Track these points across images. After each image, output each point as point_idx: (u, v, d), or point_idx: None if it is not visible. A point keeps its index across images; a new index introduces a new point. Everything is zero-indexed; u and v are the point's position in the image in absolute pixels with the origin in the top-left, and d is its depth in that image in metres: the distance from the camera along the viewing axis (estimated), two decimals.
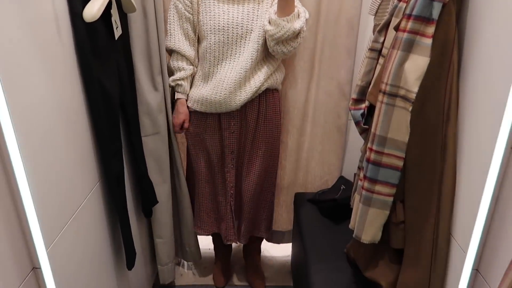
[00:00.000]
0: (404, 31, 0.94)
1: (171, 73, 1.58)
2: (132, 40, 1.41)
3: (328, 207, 1.68)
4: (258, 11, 1.48)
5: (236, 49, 1.49)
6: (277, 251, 2.18)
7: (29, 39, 0.85)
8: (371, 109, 1.16)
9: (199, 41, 1.56)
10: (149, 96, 1.50)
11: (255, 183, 1.68)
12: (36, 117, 0.88)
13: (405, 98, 0.95)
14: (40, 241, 0.88)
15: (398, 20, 1.00)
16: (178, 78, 1.56)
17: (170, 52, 1.57)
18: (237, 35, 1.47)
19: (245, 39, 1.49)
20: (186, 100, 1.60)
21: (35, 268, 0.90)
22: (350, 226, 1.18)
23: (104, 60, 1.16)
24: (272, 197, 1.79)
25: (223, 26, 1.46)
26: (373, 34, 1.19)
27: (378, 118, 1.01)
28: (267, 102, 1.60)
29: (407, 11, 0.93)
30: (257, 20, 1.48)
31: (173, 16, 1.52)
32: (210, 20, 1.47)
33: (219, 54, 1.50)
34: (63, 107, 1.00)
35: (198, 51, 1.58)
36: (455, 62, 0.92)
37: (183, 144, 1.80)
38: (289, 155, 1.84)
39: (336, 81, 1.74)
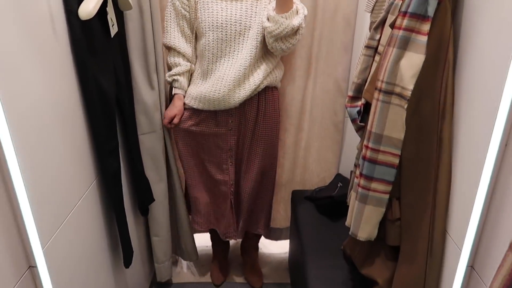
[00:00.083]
0: (399, 28, 0.94)
1: (169, 69, 1.58)
2: (128, 38, 1.40)
3: (325, 204, 1.68)
4: (256, 7, 1.47)
5: (234, 46, 1.49)
6: (275, 248, 2.19)
7: (24, 37, 0.85)
8: (367, 106, 1.16)
9: (197, 38, 1.56)
10: (146, 94, 1.50)
11: (254, 180, 1.69)
12: (31, 115, 0.88)
13: (400, 96, 0.95)
14: (36, 240, 0.88)
15: (394, 17, 1.00)
16: (174, 73, 1.56)
17: (168, 49, 1.57)
18: (235, 32, 1.47)
19: (244, 36, 1.48)
20: (184, 97, 1.60)
21: (31, 267, 0.90)
22: (347, 223, 1.18)
23: (100, 58, 1.16)
24: (271, 194, 1.79)
25: (221, 23, 1.46)
26: (370, 31, 1.19)
27: (374, 116, 1.01)
28: (266, 100, 1.59)
29: (403, 9, 0.93)
30: (255, 17, 1.47)
31: (170, 14, 1.52)
32: (208, 17, 1.47)
33: (217, 52, 1.50)
34: (59, 105, 1.00)
35: (196, 49, 1.57)
36: (450, 60, 0.93)
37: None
38: (287, 153, 1.85)
39: (333, 78, 1.74)
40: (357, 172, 1.12)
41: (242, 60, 1.49)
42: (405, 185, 1.03)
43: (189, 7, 1.50)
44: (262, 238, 2.04)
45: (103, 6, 1.14)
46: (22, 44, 0.84)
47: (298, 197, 1.82)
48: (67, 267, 1.05)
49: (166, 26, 1.54)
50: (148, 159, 1.59)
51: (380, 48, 1.10)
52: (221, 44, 1.49)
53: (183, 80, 1.57)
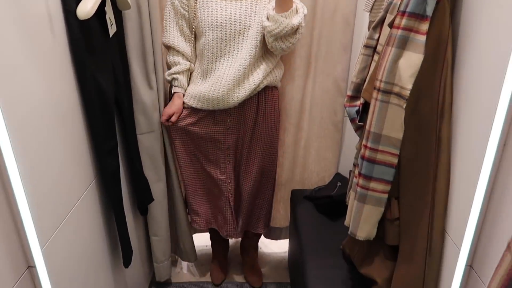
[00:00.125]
0: (398, 28, 0.94)
1: (168, 68, 1.59)
2: (127, 38, 1.40)
3: (324, 203, 1.68)
4: (256, 7, 1.47)
5: (234, 45, 1.49)
6: (275, 247, 2.19)
7: (22, 37, 0.85)
8: (366, 106, 1.16)
9: (197, 37, 1.56)
10: (144, 94, 1.50)
11: (254, 180, 1.69)
12: (30, 115, 0.88)
13: (399, 95, 0.95)
14: (34, 240, 0.88)
15: (392, 16, 0.99)
16: (173, 72, 1.56)
17: (168, 48, 1.57)
18: (235, 32, 1.47)
19: (243, 36, 1.48)
20: (183, 96, 1.60)
21: (30, 267, 0.90)
22: (346, 223, 1.18)
23: (99, 58, 1.16)
24: (270, 194, 1.79)
25: (221, 23, 1.46)
26: (368, 30, 1.18)
27: (372, 115, 1.01)
28: (266, 99, 1.59)
29: (401, 8, 0.93)
30: (255, 16, 1.47)
31: (169, 13, 1.53)
32: (207, 16, 1.47)
33: (217, 51, 1.50)
34: (57, 105, 1.00)
35: (196, 48, 1.57)
36: (449, 59, 0.92)
37: None
38: (286, 152, 1.85)
39: (332, 78, 1.74)
40: (356, 172, 1.12)
41: (242, 59, 1.48)
42: (404, 184, 1.03)
43: (188, 6, 1.50)
44: (262, 237, 2.04)
45: (102, 5, 1.13)
46: (20, 44, 0.84)
47: (297, 196, 1.82)
48: (66, 267, 1.05)
49: (165, 25, 1.54)
50: (146, 158, 1.59)
51: (379, 48, 1.10)
52: (221, 44, 1.49)
53: (182, 78, 1.57)
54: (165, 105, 1.61)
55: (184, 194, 1.81)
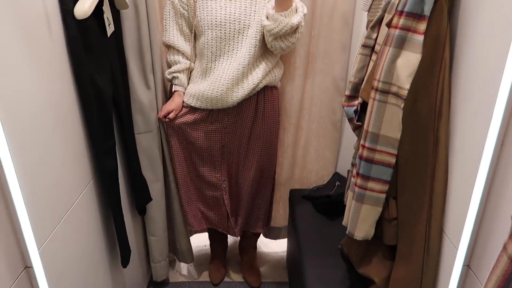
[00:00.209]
0: (396, 27, 0.93)
1: (169, 67, 1.59)
2: (124, 38, 1.40)
3: (323, 203, 1.68)
4: (255, 6, 1.47)
5: (233, 44, 1.49)
6: (273, 247, 2.19)
7: (20, 37, 0.85)
8: (364, 106, 1.16)
9: (197, 37, 1.56)
10: (142, 94, 1.49)
11: (252, 179, 1.68)
12: (27, 115, 0.87)
13: (397, 95, 0.95)
14: (31, 240, 0.88)
15: (390, 16, 0.99)
16: (173, 71, 1.56)
17: (168, 47, 1.57)
18: (234, 31, 1.47)
19: (243, 35, 1.48)
20: (183, 94, 1.60)
21: (28, 267, 0.90)
22: (344, 223, 1.18)
23: (97, 57, 1.16)
24: (269, 194, 1.79)
25: (220, 22, 1.46)
26: (367, 30, 1.18)
27: (370, 115, 1.01)
28: (265, 99, 1.59)
29: (399, 8, 0.93)
30: (254, 15, 1.47)
31: (169, 12, 1.53)
32: (207, 15, 1.47)
33: (216, 50, 1.50)
34: (55, 105, 0.99)
35: (196, 47, 1.57)
36: (447, 59, 0.92)
37: None
38: (286, 152, 1.85)
39: (331, 77, 1.74)
40: (354, 172, 1.12)
41: (241, 58, 1.48)
42: (401, 184, 1.03)
43: (187, 5, 1.50)
44: (261, 237, 2.04)
45: (100, 5, 1.13)
46: (17, 43, 0.84)
47: (296, 196, 1.82)
48: (64, 267, 1.05)
49: (165, 25, 1.54)
50: (144, 158, 1.59)
51: (377, 47, 1.10)
52: (220, 43, 1.48)
53: (182, 77, 1.58)
54: (163, 104, 1.61)
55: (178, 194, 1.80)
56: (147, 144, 1.58)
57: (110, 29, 1.24)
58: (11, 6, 0.82)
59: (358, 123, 1.19)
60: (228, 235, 1.99)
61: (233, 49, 1.49)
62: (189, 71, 1.60)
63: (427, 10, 0.89)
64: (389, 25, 0.98)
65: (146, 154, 1.59)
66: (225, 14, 1.46)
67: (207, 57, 1.52)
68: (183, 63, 1.56)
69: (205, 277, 2.00)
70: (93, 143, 1.18)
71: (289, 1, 1.36)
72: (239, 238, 2.00)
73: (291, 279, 1.85)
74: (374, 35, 1.12)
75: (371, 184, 1.04)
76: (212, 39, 1.48)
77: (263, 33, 1.46)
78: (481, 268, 0.87)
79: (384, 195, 1.04)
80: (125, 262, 1.41)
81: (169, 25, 1.53)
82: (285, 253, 2.09)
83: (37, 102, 0.92)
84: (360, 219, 1.08)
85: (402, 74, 0.93)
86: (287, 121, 1.79)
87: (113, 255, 1.40)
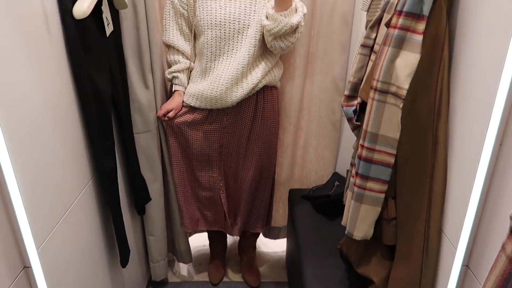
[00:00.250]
0: (395, 27, 0.93)
1: (169, 67, 1.59)
2: (123, 37, 1.40)
3: (322, 203, 1.68)
4: (255, 6, 1.47)
5: (233, 44, 1.49)
6: (273, 247, 2.19)
7: (18, 37, 0.84)
8: (363, 105, 1.16)
9: (196, 36, 1.56)
10: (140, 93, 1.49)
11: (251, 179, 1.68)
12: (25, 115, 0.87)
13: (396, 95, 0.95)
14: (30, 240, 0.88)
15: (389, 16, 0.99)
16: (173, 70, 1.56)
17: (168, 47, 1.58)
18: (234, 30, 1.47)
19: (242, 35, 1.48)
20: (183, 93, 1.60)
21: (26, 267, 0.90)
22: (343, 222, 1.18)
23: (95, 57, 1.16)
24: (269, 194, 1.79)
25: (220, 21, 1.46)
26: (366, 30, 1.18)
27: (369, 115, 1.01)
28: (265, 99, 1.59)
29: (398, 8, 0.93)
30: (254, 15, 1.47)
31: (169, 12, 1.53)
32: (207, 15, 1.47)
33: (216, 50, 1.50)
34: (54, 105, 0.99)
35: (195, 47, 1.57)
36: (445, 59, 0.92)
37: None
38: (285, 152, 1.85)
39: (330, 77, 1.74)
40: (353, 172, 1.12)
41: (240, 58, 1.48)
42: (400, 184, 1.03)
43: (187, 5, 1.50)
44: (260, 236, 2.04)
45: (99, 5, 1.13)
46: (16, 43, 0.84)
47: (295, 196, 1.82)
48: (63, 267, 1.05)
49: (165, 24, 1.54)
50: (143, 158, 1.59)
51: (376, 47, 1.10)
52: (220, 43, 1.48)
53: (183, 77, 1.58)
54: (162, 104, 1.61)
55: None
56: (146, 144, 1.58)
57: (109, 29, 1.24)
58: (10, 6, 0.82)
59: (357, 123, 1.19)
60: (228, 235, 2.00)
61: (233, 49, 1.49)
62: (189, 70, 1.60)
63: (426, 10, 0.89)
64: (388, 25, 0.98)
65: (145, 154, 1.59)
66: (224, 13, 1.45)
67: (207, 56, 1.52)
68: (183, 62, 1.56)
69: (204, 277, 2.00)
70: (92, 143, 1.18)
71: (288, 1, 1.36)
72: (238, 238, 2.00)
73: (291, 279, 1.85)
74: (373, 35, 1.12)
75: (370, 184, 1.04)
76: (211, 39, 1.48)
77: (263, 33, 1.46)
78: (480, 268, 0.87)
79: (383, 195, 1.04)
80: (124, 262, 1.41)
81: (169, 25, 1.54)
82: (284, 253, 2.09)
83: (35, 102, 0.91)
84: (359, 219, 1.08)
85: (401, 74, 0.93)
86: (287, 121, 1.79)
87: (112, 255, 1.40)
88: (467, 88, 0.88)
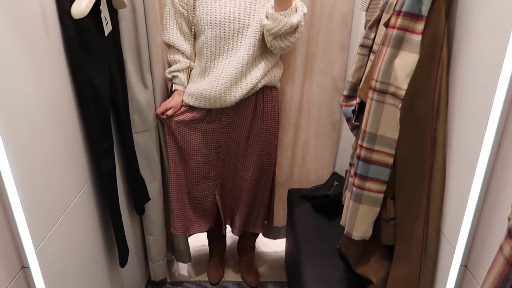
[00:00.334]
0: (393, 27, 0.93)
1: (169, 66, 1.60)
2: (122, 37, 1.40)
3: (321, 203, 1.68)
4: (255, 5, 1.47)
5: (233, 44, 1.49)
6: (272, 247, 2.19)
7: (16, 36, 0.84)
8: (362, 105, 1.16)
9: (196, 36, 1.56)
10: (139, 93, 1.49)
11: (250, 179, 1.68)
12: (23, 115, 0.87)
13: (394, 95, 0.95)
14: (28, 241, 0.88)
15: (388, 16, 0.99)
16: (173, 70, 1.57)
17: (168, 46, 1.58)
18: (233, 30, 1.47)
19: (242, 34, 1.48)
20: (183, 93, 1.60)
21: (24, 267, 0.90)
22: (341, 222, 1.18)
23: (94, 57, 1.16)
24: (268, 194, 1.79)
25: (220, 21, 1.46)
26: (365, 30, 1.18)
27: (368, 115, 1.01)
28: (264, 99, 1.59)
29: (397, 8, 0.93)
30: (254, 15, 1.47)
31: (169, 11, 1.53)
32: (206, 14, 1.46)
33: (216, 49, 1.49)
34: (52, 104, 0.99)
35: (195, 46, 1.57)
36: (444, 59, 0.92)
37: None
38: (285, 151, 1.85)
39: (330, 77, 1.74)
40: (352, 172, 1.12)
41: (240, 58, 1.48)
42: (399, 184, 1.03)
43: (187, 5, 1.50)
44: (260, 236, 2.04)
45: (97, 4, 1.13)
46: (14, 43, 0.84)
47: (294, 196, 1.82)
48: (61, 267, 1.04)
49: (165, 24, 1.54)
50: (142, 158, 1.59)
51: (375, 47, 1.10)
52: (219, 42, 1.48)
53: (182, 76, 1.58)
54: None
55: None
56: (145, 144, 1.58)
57: (107, 29, 1.23)
58: (7, 6, 0.82)
59: (356, 123, 1.19)
60: (227, 236, 2.00)
61: (233, 49, 1.49)
62: (189, 70, 1.60)
63: (424, 10, 0.89)
64: (386, 25, 0.98)
65: (144, 153, 1.59)
66: (224, 13, 1.45)
67: (207, 56, 1.51)
68: (183, 62, 1.56)
69: (203, 276, 2.00)
70: (90, 143, 1.18)
71: (288, 1, 1.36)
72: (237, 237, 2.00)
73: (290, 278, 1.85)
74: (372, 35, 1.12)
75: (369, 184, 1.04)
76: (211, 38, 1.48)
77: (263, 32, 1.45)
78: (478, 268, 0.87)
79: (382, 195, 1.04)
80: (123, 262, 1.41)
81: (169, 24, 1.54)
82: (283, 253, 2.09)
83: (34, 101, 0.91)
84: (358, 219, 1.08)
85: (400, 74, 0.93)
86: (287, 121, 1.79)
87: (111, 255, 1.40)
88: (466, 88, 0.88)
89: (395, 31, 0.93)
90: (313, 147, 1.86)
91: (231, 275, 2.01)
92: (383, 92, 0.97)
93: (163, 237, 1.81)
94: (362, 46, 1.16)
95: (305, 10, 1.42)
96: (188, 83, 1.60)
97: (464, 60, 0.89)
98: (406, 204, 1.03)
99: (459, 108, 0.91)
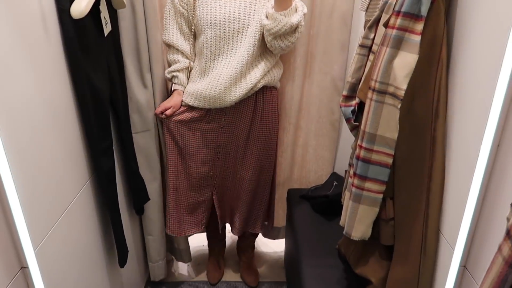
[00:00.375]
0: (393, 27, 0.93)
1: (169, 66, 1.60)
2: (121, 37, 1.40)
3: (321, 203, 1.68)
4: (255, 5, 1.47)
5: (232, 44, 1.49)
6: (272, 247, 2.19)
7: (15, 36, 0.84)
8: (361, 106, 1.16)
9: (196, 36, 1.56)
10: (138, 93, 1.49)
11: (249, 179, 1.68)
12: (23, 115, 0.87)
13: (394, 95, 0.95)
14: (27, 241, 0.87)
15: (388, 16, 0.99)
16: (173, 70, 1.57)
17: (168, 46, 1.58)
18: (233, 30, 1.47)
19: (242, 34, 1.48)
20: (183, 93, 1.60)
21: (23, 268, 0.90)
22: (341, 223, 1.18)
23: (93, 57, 1.16)
24: (268, 194, 1.78)
25: (220, 21, 1.45)
26: (364, 30, 1.18)
27: (367, 115, 1.01)
28: (264, 99, 1.59)
29: (396, 8, 0.93)
30: (254, 15, 1.47)
31: (169, 11, 1.53)
32: (206, 14, 1.46)
33: (215, 49, 1.49)
34: (51, 104, 0.99)
35: (195, 46, 1.57)
36: (444, 59, 0.92)
37: None
38: (285, 151, 1.85)
39: (330, 77, 1.74)
40: (351, 172, 1.12)
41: (240, 58, 1.48)
42: (398, 184, 1.03)
43: (187, 5, 1.50)
44: (259, 236, 2.04)
45: (97, 4, 1.13)
46: (13, 43, 0.84)
47: (293, 196, 1.82)
48: (60, 267, 1.04)
49: (165, 24, 1.54)
50: (141, 158, 1.59)
51: (374, 47, 1.10)
52: (219, 42, 1.48)
53: (182, 76, 1.58)
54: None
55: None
56: (145, 144, 1.58)
57: (107, 29, 1.23)
58: (7, 6, 0.81)
59: (356, 123, 1.19)
60: (227, 236, 2.00)
61: (232, 48, 1.49)
62: (189, 70, 1.60)
63: (424, 10, 0.88)
64: (386, 25, 0.98)
65: (144, 153, 1.59)
66: (224, 13, 1.45)
67: (206, 56, 1.51)
68: (183, 62, 1.56)
69: (203, 276, 2.00)
70: (90, 143, 1.18)
71: (288, 1, 1.36)
72: (237, 237, 2.00)
73: (289, 278, 1.85)
74: (372, 35, 1.12)
75: (368, 185, 1.04)
76: (211, 38, 1.48)
77: (263, 32, 1.45)
78: (477, 268, 0.87)
79: (381, 196, 1.04)
80: (122, 262, 1.41)
81: (169, 24, 1.54)
82: (283, 253, 2.09)
83: (33, 101, 0.91)
84: (357, 220, 1.08)
85: (399, 75, 0.93)
86: (287, 121, 1.79)
87: (110, 255, 1.40)
88: (465, 88, 0.88)
89: (394, 31, 0.93)
90: (312, 147, 1.86)
91: (230, 275, 2.01)
92: (382, 92, 0.97)
93: (163, 237, 1.81)
94: (361, 46, 1.16)
95: (305, 10, 1.42)
96: (187, 83, 1.60)
97: (464, 60, 0.89)
98: (406, 204, 1.03)
99: (459, 108, 0.91)
